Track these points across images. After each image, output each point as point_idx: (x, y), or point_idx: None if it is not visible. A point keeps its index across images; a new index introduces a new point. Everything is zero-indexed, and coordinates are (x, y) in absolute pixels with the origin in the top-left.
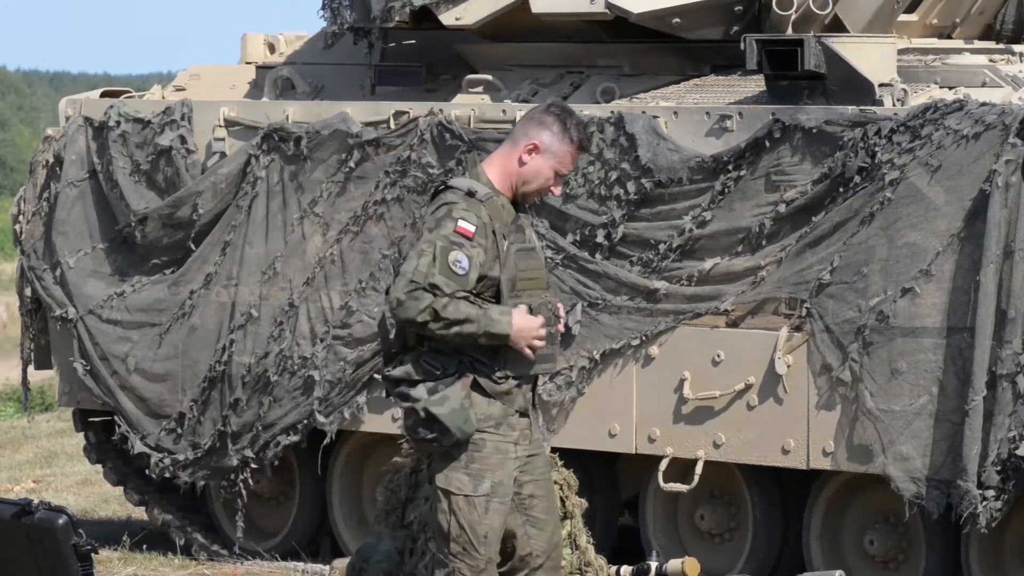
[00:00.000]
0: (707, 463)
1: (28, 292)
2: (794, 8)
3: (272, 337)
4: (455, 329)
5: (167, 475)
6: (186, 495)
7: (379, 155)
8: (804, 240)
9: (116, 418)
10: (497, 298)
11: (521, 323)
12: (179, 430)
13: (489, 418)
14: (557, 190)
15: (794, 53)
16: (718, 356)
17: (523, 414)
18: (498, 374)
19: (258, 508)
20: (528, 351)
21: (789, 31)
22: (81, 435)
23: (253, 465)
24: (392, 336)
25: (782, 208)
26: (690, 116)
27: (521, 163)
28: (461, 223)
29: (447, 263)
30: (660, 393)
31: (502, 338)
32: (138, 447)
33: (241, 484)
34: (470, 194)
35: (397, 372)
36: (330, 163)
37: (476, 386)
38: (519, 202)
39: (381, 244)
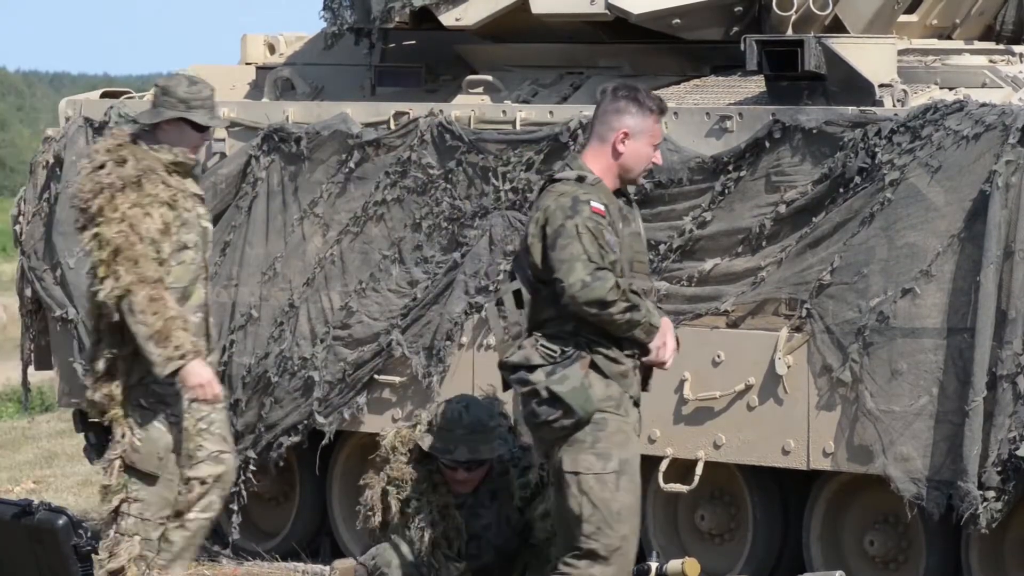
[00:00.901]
0: (707, 463)
1: (28, 293)
2: (794, 9)
3: (272, 338)
4: (629, 315)
5: None
6: None
7: (379, 156)
8: (804, 241)
9: None
10: None
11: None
12: None
13: (609, 398)
14: (659, 158)
15: (794, 54)
16: (718, 356)
17: (636, 403)
18: (625, 351)
19: (258, 508)
20: (656, 342)
21: (789, 32)
22: (81, 435)
23: (253, 467)
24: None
25: (782, 209)
26: (690, 117)
27: (618, 154)
28: (593, 203)
29: (606, 241)
30: (660, 393)
31: (654, 330)
32: None
33: (242, 484)
34: (580, 179)
35: (516, 358)
36: (330, 164)
37: (594, 367)
38: (623, 191)
39: (381, 245)
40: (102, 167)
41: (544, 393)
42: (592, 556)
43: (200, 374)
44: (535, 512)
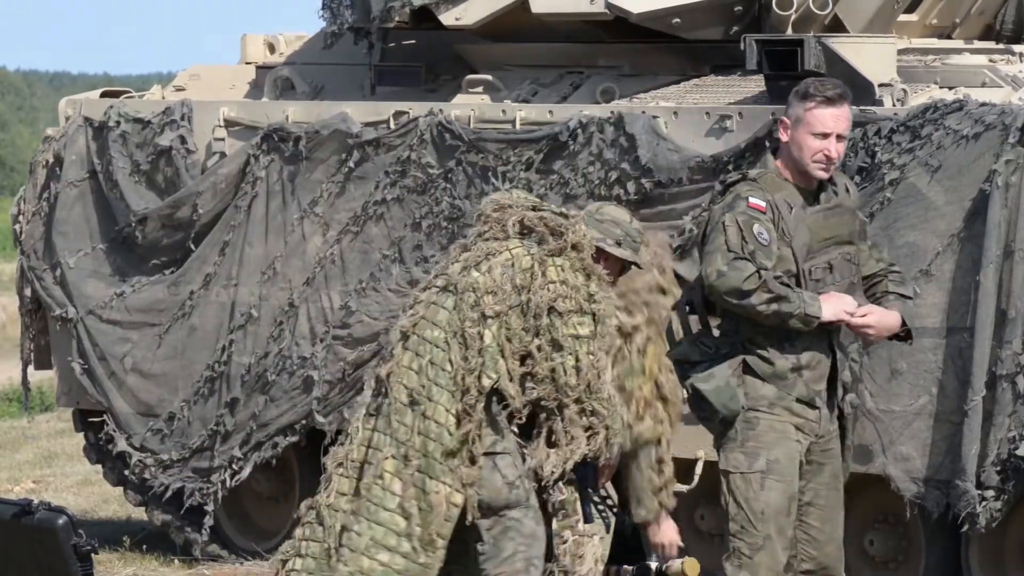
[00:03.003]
0: (707, 463)
1: (28, 292)
2: (794, 8)
3: (272, 337)
4: (775, 306)
5: (147, 476)
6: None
7: (379, 155)
8: None
9: (106, 417)
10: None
11: (835, 304)
12: (166, 431)
13: (762, 398)
14: (833, 152)
15: (794, 53)
16: None
17: (810, 404)
18: (784, 352)
19: (258, 508)
20: (848, 317)
21: (789, 31)
22: (81, 435)
23: (234, 466)
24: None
25: None
26: (690, 116)
27: (786, 144)
28: (752, 199)
29: (753, 234)
30: None
31: (811, 319)
32: (120, 446)
33: (220, 484)
34: (747, 177)
35: (674, 354)
36: (330, 163)
37: (748, 367)
38: (823, 182)
39: (381, 244)
40: None
41: (690, 390)
42: (738, 555)
43: None
44: None
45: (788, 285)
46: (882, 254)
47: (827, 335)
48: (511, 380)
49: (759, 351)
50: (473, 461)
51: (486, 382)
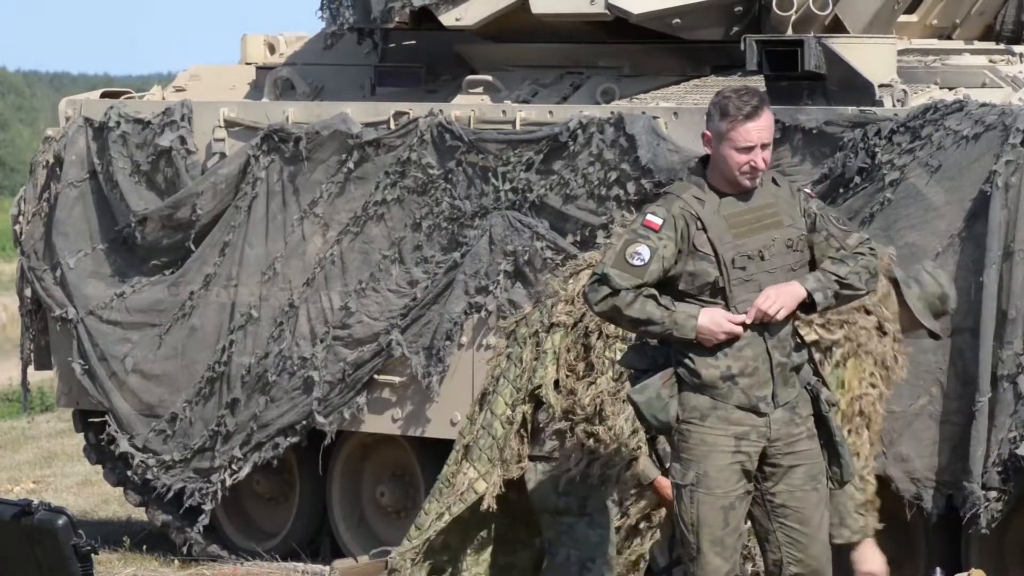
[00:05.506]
0: None
1: (28, 292)
2: (794, 9)
3: (272, 337)
4: (641, 329)
5: (149, 477)
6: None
7: (379, 156)
8: None
9: (107, 418)
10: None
11: (707, 324)
12: (169, 431)
13: (695, 409)
14: (759, 162)
15: (794, 54)
16: None
17: (754, 411)
18: (712, 363)
19: (258, 508)
20: (719, 331)
21: (789, 32)
22: (81, 435)
23: (234, 467)
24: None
25: None
26: (690, 116)
27: (712, 156)
28: (649, 217)
29: (623, 256)
30: None
31: (684, 339)
32: (123, 447)
33: (220, 484)
34: (667, 191)
35: (622, 362)
36: (330, 164)
37: (679, 379)
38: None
39: (381, 245)
40: None
41: (629, 402)
42: (685, 562)
43: None
44: None
45: (662, 304)
46: (845, 241)
47: (761, 341)
48: (557, 388)
49: (686, 362)
50: (519, 459)
51: (531, 385)
